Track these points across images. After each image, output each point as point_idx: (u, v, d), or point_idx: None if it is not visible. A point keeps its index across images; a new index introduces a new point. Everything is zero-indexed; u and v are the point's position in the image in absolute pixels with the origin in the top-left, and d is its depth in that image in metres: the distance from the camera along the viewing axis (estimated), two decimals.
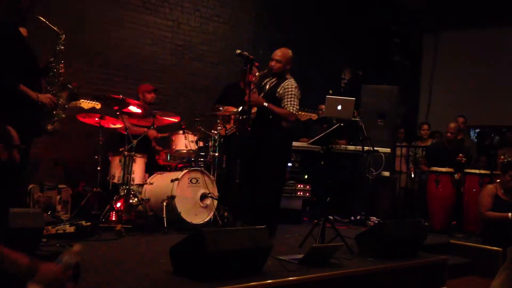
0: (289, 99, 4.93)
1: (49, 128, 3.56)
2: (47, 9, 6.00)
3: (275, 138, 4.91)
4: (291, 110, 4.92)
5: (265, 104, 4.85)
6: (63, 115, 3.70)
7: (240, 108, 5.00)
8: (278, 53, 5.05)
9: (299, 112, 5.71)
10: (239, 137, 4.93)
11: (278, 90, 4.97)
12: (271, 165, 4.91)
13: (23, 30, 4.39)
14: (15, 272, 2.08)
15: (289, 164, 7.09)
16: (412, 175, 8.01)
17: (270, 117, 4.89)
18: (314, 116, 6.61)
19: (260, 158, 4.89)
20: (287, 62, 5.06)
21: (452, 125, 7.14)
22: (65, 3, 6.22)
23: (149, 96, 6.11)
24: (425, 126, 8.61)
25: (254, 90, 4.78)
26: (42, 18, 3.45)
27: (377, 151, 6.49)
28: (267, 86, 5.10)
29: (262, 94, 5.03)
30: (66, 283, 2.14)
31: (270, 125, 4.93)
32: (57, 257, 2.19)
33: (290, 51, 5.12)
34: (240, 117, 4.77)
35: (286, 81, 5.01)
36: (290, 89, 4.95)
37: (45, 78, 3.65)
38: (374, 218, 6.66)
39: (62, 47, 3.63)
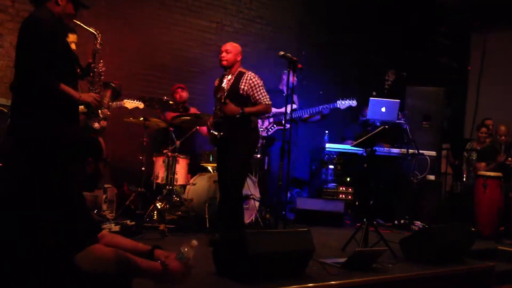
0: (259, 92, 4.65)
1: (95, 126, 3.64)
2: (96, 12, 6.18)
3: (249, 138, 4.66)
4: (267, 103, 4.68)
5: (241, 111, 4.52)
6: (108, 113, 3.77)
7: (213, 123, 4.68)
8: (227, 45, 4.74)
9: None
10: (212, 143, 4.75)
11: (241, 86, 4.63)
12: (244, 164, 4.67)
13: (72, 36, 4.51)
14: (152, 280, 2.30)
15: (331, 167, 7.06)
16: (464, 179, 7.78)
17: (238, 116, 4.58)
18: None
19: (233, 158, 4.57)
20: (237, 53, 4.72)
21: (503, 128, 6.93)
22: (114, 7, 6.37)
23: (177, 96, 6.23)
24: (484, 129, 8.23)
25: (226, 101, 4.58)
26: (77, 22, 3.53)
27: (422, 154, 6.36)
28: (225, 85, 4.69)
29: (222, 94, 4.64)
30: (187, 275, 2.40)
31: (243, 125, 4.61)
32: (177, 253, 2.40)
33: (237, 44, 4.83)
34: (218, 135, 4.54)
35: (245, 74, 4.68)
36: (255, 82, 4.64)
37: (87, 79, 3.74)
38: (419, 222, 6.52)
39: (99, 47, 3.69)
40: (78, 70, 3.96)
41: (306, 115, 6.52)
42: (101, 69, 3.70)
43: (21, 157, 2.84)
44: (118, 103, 5.22)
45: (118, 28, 6.35)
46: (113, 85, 3.84)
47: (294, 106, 6.06)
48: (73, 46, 4.43)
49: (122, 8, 6.52)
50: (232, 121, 4.52)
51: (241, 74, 4.68)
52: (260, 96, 4.63)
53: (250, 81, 4.63)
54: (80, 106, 3.57)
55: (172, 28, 6.96)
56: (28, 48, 3.12)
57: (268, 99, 4.65)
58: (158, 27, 6.85)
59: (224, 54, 4.68)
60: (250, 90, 4.61)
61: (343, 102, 6.26)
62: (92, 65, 3.69)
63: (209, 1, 7.45)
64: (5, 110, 4.08)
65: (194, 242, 2.45)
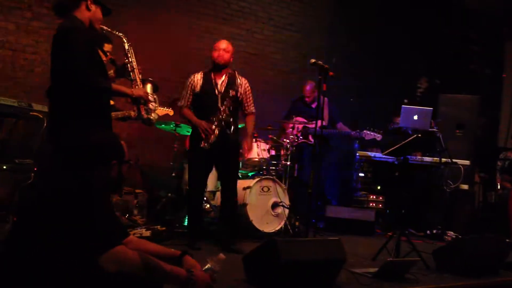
0: (250, 99, 4.75)
1: (152, 117, 3.71)
2: (128, 20, 6.28)
3: (239, 144, 4.76)
4: (254, 111, 4.80)
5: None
6: (156, 105, 3.84)
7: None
8: (224, 43, 4.63)
9: None
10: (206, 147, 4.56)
11: (239, 90, 4.65)
12: (238, 168, 4.96)
13: (108, 46, 4.59)
14: (175, 286, 2.35)
15: (361, 174, 6.99)
16: (499, 188, 7.60)
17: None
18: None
19: (234, 165, 4.76)
20: (232, 53, 4.69)
21: None
22: (146, 15, 6.47)
23: None
24: None
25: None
26: (104, 27, 3.58)
27: (456, 163, 6.24)
28: (222, 87, 4.60)
29: (217, 95, 4.57)
30: None
31: (236, 132, 4.68)
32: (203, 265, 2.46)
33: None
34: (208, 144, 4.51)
35: (237, 77, 4.69)
36: (248, 87, 4.73)
37: (127, 78, 3.79)
38: (451, 232, 6.39)
39: (129, 47, 3.74)
40: (113, 72, 4.04)
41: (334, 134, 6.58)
42: (137, 66, 3.76)
43: (59, 164, 2.88)
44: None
45: (149, 35, 6.42)
46: (150, 79, 3.91)
47: (324, 122, 6.06)
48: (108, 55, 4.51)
49: (153, 16, 6.60)
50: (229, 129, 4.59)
51: (233, 76, 4.69)
52: (251, 103, 4.76)
53: (246, 86, 4.73)
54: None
55: (202, 35, 7.01)
56: (72, 55, 3.15)
57: (254, 108, 4.81)
58: (188, 35, 6.92)
59: (222, 52, 4.62)
60: (245, 95, 4.72)
61: (369, 132, 6.25)
62: (127, 65, 3.74)
63: (239, 9, 7.49)
64: (40, 116, 4.16)
65: (222, 256, 2.47)
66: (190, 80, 4.66)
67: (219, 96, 4.59)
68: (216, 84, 4.62)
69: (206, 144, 4.49)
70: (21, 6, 5.78)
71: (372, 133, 6.24)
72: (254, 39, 7.62)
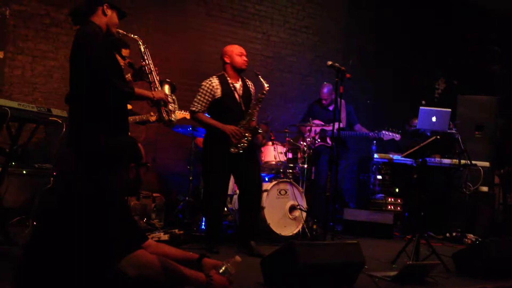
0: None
1: (173, 118, 3.74)
2: (144, 25, 6.33)
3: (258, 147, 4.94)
4: None
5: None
6: (176, 106, 3.85)
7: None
8: (243, 49, 4.72)
9: None
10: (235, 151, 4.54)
11: (253, 93, 4.76)
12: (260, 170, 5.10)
13: (126, 51, 4.62)
14: None
15: (379, 177, 6.94)
16: None
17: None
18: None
19: (257, 165, 4.86)
20: None
21: None
22: (162, 18, 6.51)
23: None
24: None
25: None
26: (120, 30, 3.60)
27: (475, 165, 6.17)
28: (240, 91, 4.66)
29: (238, 99, 4.61)
30: None
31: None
32: (220, 268, 2.47)
33: None
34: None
35: (246, 80, 4.78)
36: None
37: (145, 80, 3.82)
38: (471, 235, 6.30)
39: (145, 49, 3.76)
40: (130, 75, 4.08)
41: (352, 135, 6.56)
42: (154, 68, 3.77)
43: (79, 168, 2.91)
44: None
45: (165, 39, 6.47)
46: (168, 80, 3.92)
47: (341, 124, 6.03)
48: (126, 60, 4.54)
49: (170, 19, 6.64)
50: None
51: (243, 80, 4.76)
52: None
53: (253, 88, 4.81)
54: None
55: (218, 39, 7.03)
56: (96, 61, 3.17)
57: None
58: (205, 38, 6.94)
59: (245, 58, 4.68)
60: (253, 97, 4.78)
61: (388, 133, 6.21)
62: (144, 67, 3.76)
63: (256, 12, 7.50)
64: (59, 121, 4.19)
65: (238, 258, 2.48)
66: (207, 86, 4.60)
67: (241, 100, 4.61)
68: (235, 88, 4.63)
69: (236, 149, 4.48)
70: (40, 13, 5.86)
71: (390, 134, 6.20)
72: (270, 42, 7.63)
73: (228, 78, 4.64)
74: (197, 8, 6.97)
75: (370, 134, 6.33)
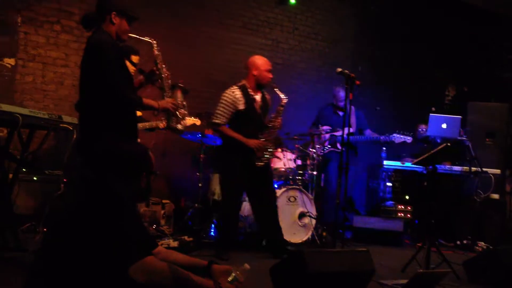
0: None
1: (179, 127, 3.74)
2: (155, 32, 6.34)
3: None
4: None
5: None
6: (186, 112, 3.85)
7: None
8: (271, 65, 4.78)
9: None
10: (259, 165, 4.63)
11: (269, 105, 4.83)
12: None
13: (135, 58, 4.64)
14: None
15: (389, 184, 6.90)
16: None
17: None
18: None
19: (271, 176, 4.94)
20: None
21: None
22: (174, 26, 6.55)
23: None
24: None
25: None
26: (132, 35, 3.60)
27: (486, 172, 6.12)
28: (260, 103, 4.72)
29: (258, 111, 4.70)
30: None
31: None
32: (229, 276, 2.45)
33: None
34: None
35: (266, 92, 4.83)
36: None
37: (156, 85, 3.83)
38: (482, 243, 6.25)
39: (158, 52, 3.76)
40: (142, 77, 4.10)
41: (363, 140, 6.51)
42: (166, 73, 3.78)
43: (89, 175, 2.92)
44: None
45: (176, 45, 6.49)
46: (180, 85, 3.92)
47: (351, 129, 6.01)
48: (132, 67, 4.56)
49: (181, 27, 6.67)
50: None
51: (263, 91, 4.77)
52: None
53: (270, 100, 4.82)
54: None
55: (229, 46, 7.06)
56: (108, 71, 3.18)
57: None
58: (215, 45, 6.97)
59: (271, 74, 4.70)
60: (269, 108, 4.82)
61: (399, 136, 6.18)
62: (157, 72, 3.77)
63: (265, 19, 7.51)
64: (70, 128, 4.22)
65: (246, 266, 2.47)
66: (230, 97, 4.57)
67: (261, 112, 4.65)
68: (256, 100, 4.65)
69: (261, 163, 4.56)
70: (51, 20, 5.90)
71: (402, 136, 6.17)
72: (280, 49, 7.64)
73: (249, 90, 4.63)
74: (209, 17, 6.99)
75: (381, 138, 6.30)
